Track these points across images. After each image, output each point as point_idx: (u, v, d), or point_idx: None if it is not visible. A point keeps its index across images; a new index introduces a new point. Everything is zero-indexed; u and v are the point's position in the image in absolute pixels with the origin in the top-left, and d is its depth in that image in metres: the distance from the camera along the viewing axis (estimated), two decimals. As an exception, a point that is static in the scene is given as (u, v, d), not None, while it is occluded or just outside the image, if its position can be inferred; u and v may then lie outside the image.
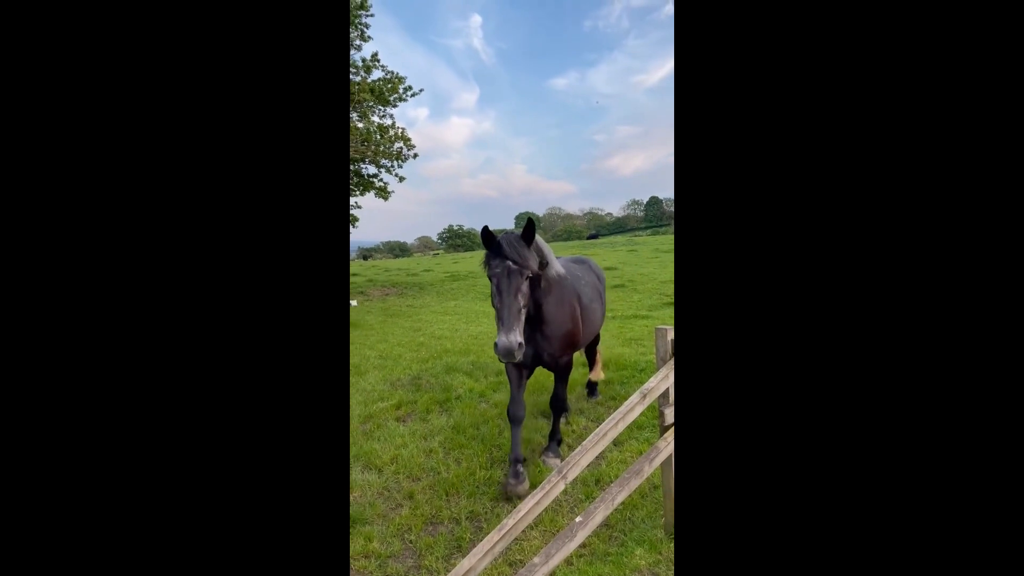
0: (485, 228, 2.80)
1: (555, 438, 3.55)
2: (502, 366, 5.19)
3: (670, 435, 2.51)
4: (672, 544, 2.48)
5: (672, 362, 2.53)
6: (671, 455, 2.58)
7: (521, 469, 3.09)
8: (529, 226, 2.85)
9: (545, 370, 4.23)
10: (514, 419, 3.24)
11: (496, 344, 2.58)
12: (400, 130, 13.61)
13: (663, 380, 2.48)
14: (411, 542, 2.71)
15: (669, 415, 2.53)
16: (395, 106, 13.42)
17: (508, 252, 2.74)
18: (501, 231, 2.95)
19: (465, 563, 1.90)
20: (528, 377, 3.40)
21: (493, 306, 2.74)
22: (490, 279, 2.80)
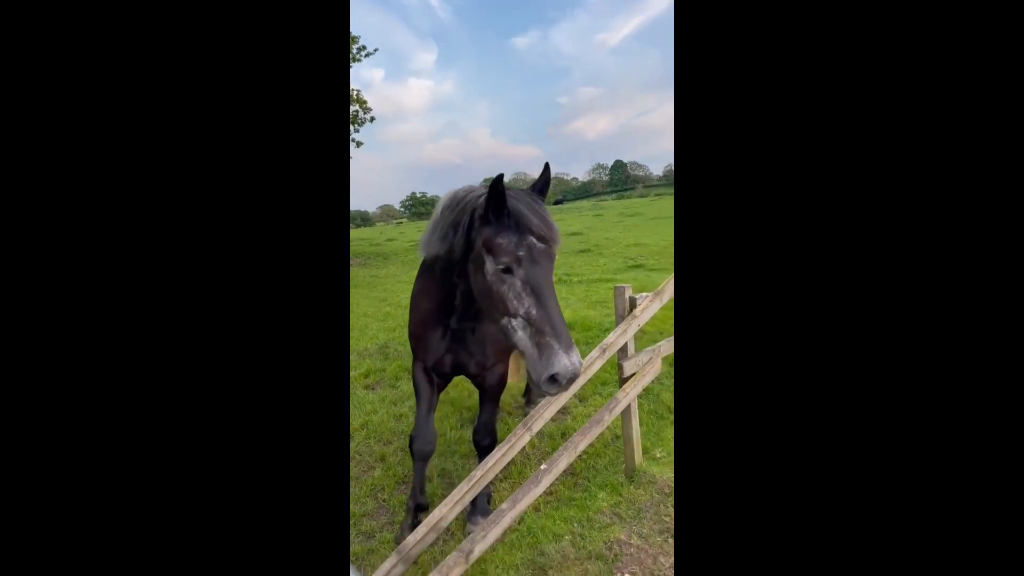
0: (499, 179, 1.65)
1: (483, 492, 2.48)
2: None
3: (628, 386, 2.65)
4: (632, 487, 2.66)
5: (630, 317, 2.65)
6: (630, 404, 2.73)
7: (422, 519, 2.35)
8: (546, 175, 1.87)
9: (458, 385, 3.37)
10: (419, 455, 2.38)
11: (554, 375, 1.53)
12: (355, 92, 13.05)
13: (621, 335, 2.59)
14: (384, 501, 2.80)
15: (627, 367, 2.66)
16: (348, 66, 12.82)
17: (537, 224, 1.66)
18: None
19: (436, 513, 1.99)
20: (441, 391, 2.49)
21: (511, 314, 1.62)
22: (503, 271, 1.64)
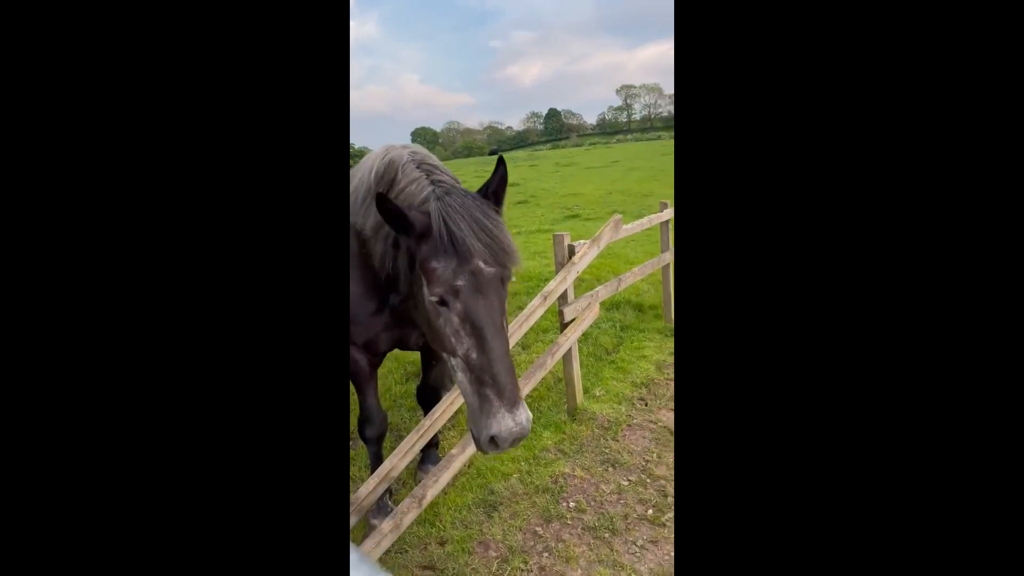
0: (382, 196, 1.33)
1: (431, 442, 2.40)
2: None
3: (569, 331, 2.75)
4: (574, 424, 2.82)
5: (569, 264, 2.71)
6: (571, 348, 2.84)
7: (388, 502, 2.19)
8: (500, 171, 1.47)
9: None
10: (373, 440, 2.20)
11: (495, 436, 1.25)
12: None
13: (561, 283, 2.66)
14: (332, 458, 2.80)
15: (568, 313, 2.75)
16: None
17: (482, 247, 1.33)
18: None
19: (387, 464, 2.02)
20: (377, 368, 2.19)
21: (450, 352, 1.36)
22: (438, 303, 1.34)
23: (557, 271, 2.73)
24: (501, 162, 1.47)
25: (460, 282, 1.31)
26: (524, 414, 1.26)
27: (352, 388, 2.23)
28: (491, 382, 1.27)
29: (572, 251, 2.74)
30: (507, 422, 1.23)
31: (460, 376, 1.36)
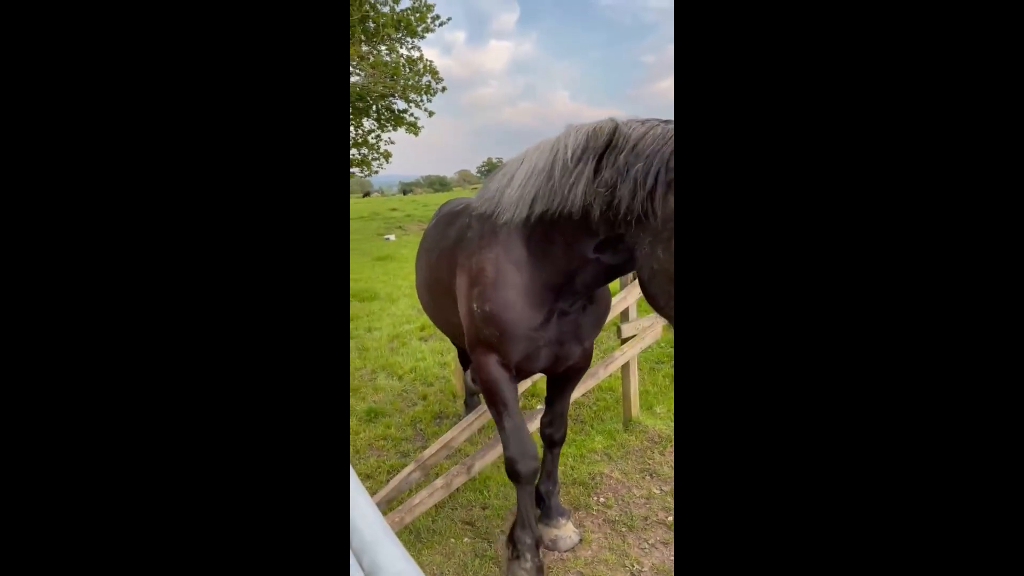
0: (613, 122, 1.33)
1: (554, 490, 2.22)
2: None
3: (627, 346, 2.96)
4: (626, 434, 3.01)
5: (635, 283, 2.93)
6: (629, 363, 3.04)
7: (541, 560, 1.90)
8: None
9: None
10: (527, 476, 1.84)
11: None
12: (428, 63, 13.55)
13: (622, 300, 2.89)
14: (421, 429, 3.39)
15: (626, 330, 2.97)
16: (423, 37, 13.29)
17: None
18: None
19: (448, 435, 2.50)
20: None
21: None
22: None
23: (621, 288, 2.97)
24: None
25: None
26: None
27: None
28: None
29: (637, 273, 2.95)
30: None
31: None
